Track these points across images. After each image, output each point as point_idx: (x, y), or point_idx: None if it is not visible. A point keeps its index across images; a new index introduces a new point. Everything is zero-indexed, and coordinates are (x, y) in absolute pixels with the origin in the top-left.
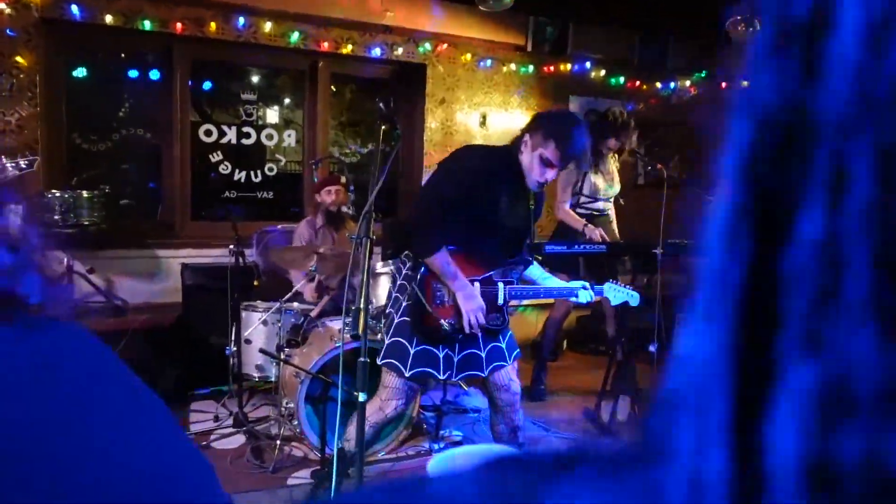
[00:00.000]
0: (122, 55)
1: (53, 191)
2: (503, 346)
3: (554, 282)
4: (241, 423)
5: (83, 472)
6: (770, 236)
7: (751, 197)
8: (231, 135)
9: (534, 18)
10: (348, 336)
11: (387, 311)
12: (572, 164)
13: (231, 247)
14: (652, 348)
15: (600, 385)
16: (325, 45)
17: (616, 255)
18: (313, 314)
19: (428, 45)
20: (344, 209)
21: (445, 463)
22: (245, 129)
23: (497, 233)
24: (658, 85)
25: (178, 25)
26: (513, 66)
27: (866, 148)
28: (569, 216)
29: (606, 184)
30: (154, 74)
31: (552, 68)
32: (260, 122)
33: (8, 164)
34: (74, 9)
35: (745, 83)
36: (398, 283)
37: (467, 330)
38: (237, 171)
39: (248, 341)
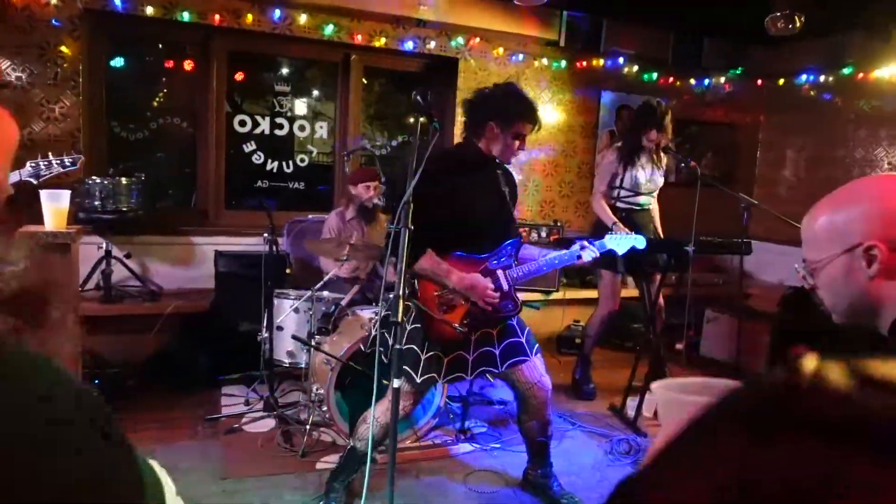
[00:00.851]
0: (161, 46)
1: (94, 178)
2: (523, 340)
3: (553, 254)
4: (271, 408)
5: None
6: None
7: None
8: (264, 125)
9: (567, 14)
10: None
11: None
12: (613, 156)
13: (265, 235)
14: (679, 346)
15: (627, 381)
16: (359, 38)
17: (651, 252)
18: (343, 302)
19: (461, 39)
20: (375, 201)
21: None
22: (278, 120)
23: (479, 224)
24: (692, 82)
25: (216, 17)
26: (545, 61)
27: None
28: (603, 211)
29: (648, 178)
30: (190, 65)
31: (585, 63)
32: (291, 114)
33: (54, 161)
34: (117, 0)
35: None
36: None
37: (486, 307)
38: (269, 161)
39: (279, 328)
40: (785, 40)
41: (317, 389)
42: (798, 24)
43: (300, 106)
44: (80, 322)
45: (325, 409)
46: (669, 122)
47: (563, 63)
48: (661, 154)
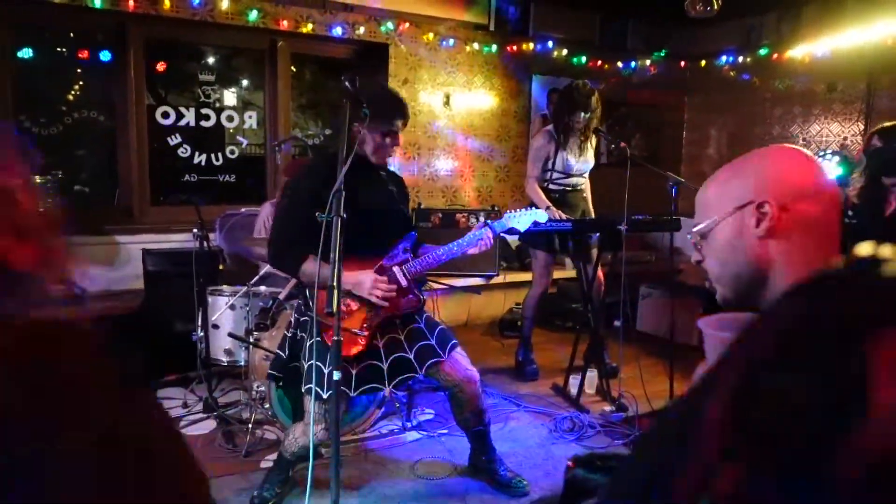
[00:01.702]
0: (72, 35)
1: None
2: (433, 342)
3: (454, 242)
4: (211, 409)
5: None
6: None
7: None
8: (189, 117)
9: None
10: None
11: (290, 332)
12: (544, 139)
13: (194, 231)
14: (617, 323)
15: (568, 360)
16: (285, 24)
17: (582, 232)
18: (281, 296)
19: (390, 25)
20: None
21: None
22: (204, 112)
23: (369, 226)
24: (619, 64)
25: (131, 3)
26: (476, 46)
27: None
28: (536, 194)
29: (578, 159)
30: (105, 55)
31: (515, 48)
32: (219, 104)
33: None
34: None
35: None
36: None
37: (380, 303)
38: (197, 154)
39: (215, 326)
40: (704, 22)
41: (257, 387)
42: (716, 7)
43: (227, 96)
44: None
45: (266, 406)
46: (597, 104)
47: (494, 48)
48: (592, 136)
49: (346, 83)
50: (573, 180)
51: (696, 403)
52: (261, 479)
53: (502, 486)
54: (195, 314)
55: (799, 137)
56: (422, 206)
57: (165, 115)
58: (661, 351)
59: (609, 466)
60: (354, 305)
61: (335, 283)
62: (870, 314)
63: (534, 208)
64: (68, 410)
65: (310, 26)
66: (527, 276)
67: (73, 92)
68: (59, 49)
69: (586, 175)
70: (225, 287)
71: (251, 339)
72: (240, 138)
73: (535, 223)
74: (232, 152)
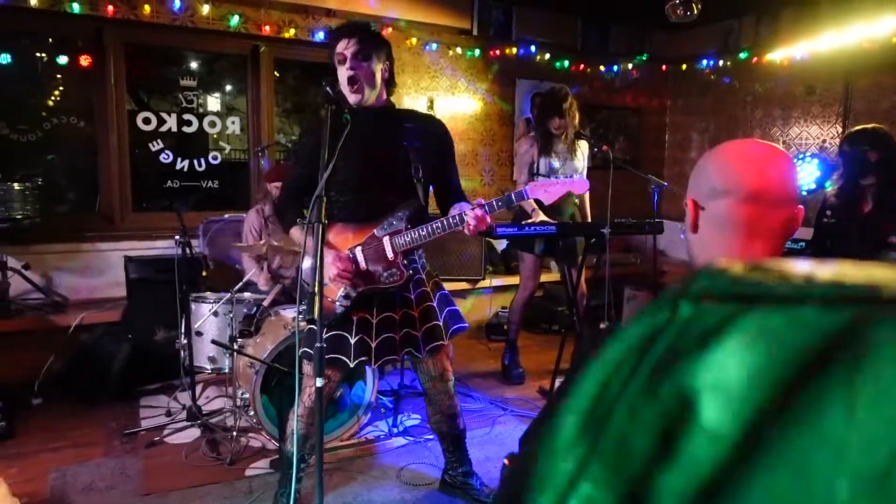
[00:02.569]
0: (51, 40)
1: None
2: (440, 323)
3: (449, 216)
4: (195, 417)
5: None
6: None
7: None
8: (171, 123)
9: (479, 2)
10: (304, 323)
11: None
12: (527, 145)
13: (177, 237)
14: (603, 325)
15: (554, 363)
16: (267, 29)
17: (566, 236)
18: (265, 303)
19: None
20: None
21: None
22: (186, 117)
23: (365, 188)
24: (601, 68)
25: (110, 8)
26: (459, 50)
27: None
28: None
29: (563, 164)
30: (85, 60)
31: (498, 52)
32: (201, 110)
33: None
34: None
35: None
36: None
37: (336, 283)
38: (179, 159)
39: (199, 333)
40: (685, 26)
41: (242, 394)
42: (696, 11)
43: (210, 101)
44: None
45: (251, 413)
46: (573, 108)
47: (477, 52)
48: (580, 140)
49: (327, 87)
50: None
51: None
52: (246, 487)
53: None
54: (178, 321)
55: (780, 140)
56: None
57: (147, 121)
58: None
59: None
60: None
61: (316, 290)
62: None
63: (550, 219)
64: None
65: (292, 31)
66: (513, 280)
67: (52, 98)
68: (38, 54)
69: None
70: (208, 294)
71: (235, 347)
72: (222, 144)
73: (520, 227)
74: (215, 158)
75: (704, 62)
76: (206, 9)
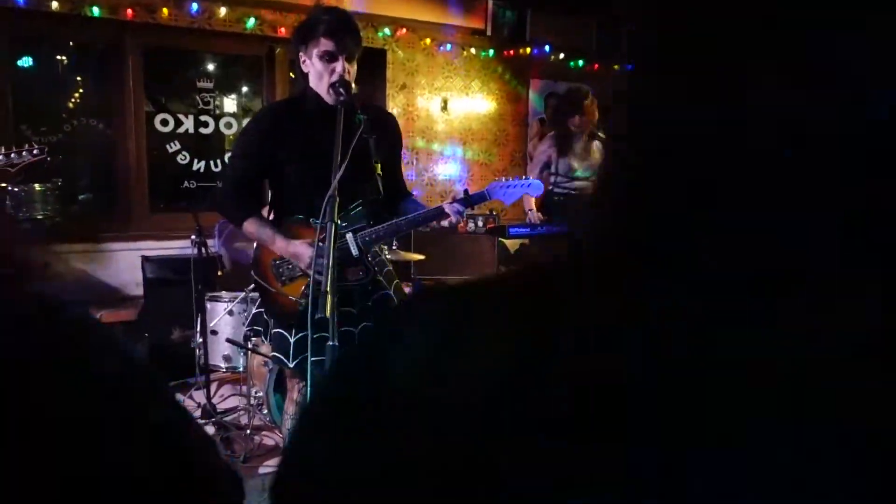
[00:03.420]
0: (71, 43)
1: (3, 184)
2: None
3: (417, 212)
4: (209, 415)
5: None
6: None
7: None
8: (188, 124)
9: (492, 3)
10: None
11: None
12: (546, 144)
13: (193, 238)
14: None
15: None
16: (283, 31)
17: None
18: None
19: (387, 30)
20: None
21: None
22: (203, 119)
23: (325, 182)
24: (616, 68)
25: (129, 12)
26: (473, 51)
27: None
28: (526, 199)
29: (581, 163)
30: (105, 63)
31: (512, 52)
32: (218, 111)
33: (13, 155)
34: None
35: None
36: None
37: (318, 278)
38: (196, 160)
39: (214, 332)
40: None
41: (256, 392)
42: None
43: (227, 103)
44: None
45: (265, 411)
46: (593, 106)
47: (492, 52)
48: (590, 140)
49: (340, 89)
50: (578, 184)
51: None
52: (259, 485)
53: None
54: (194, 320)
55: None
56: None
57: (164, 123)
58: None
59: None
60: (298, 271)
61: (328, 289)
62: None
63: (525, 180)
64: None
65: None
66: None
67: (72, 100)
68: (58, 58)
69: (591, 180)
70: (223, 293)
71: (249, 345)
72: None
73: (532, 227)
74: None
75: None
76: (222, 11)
